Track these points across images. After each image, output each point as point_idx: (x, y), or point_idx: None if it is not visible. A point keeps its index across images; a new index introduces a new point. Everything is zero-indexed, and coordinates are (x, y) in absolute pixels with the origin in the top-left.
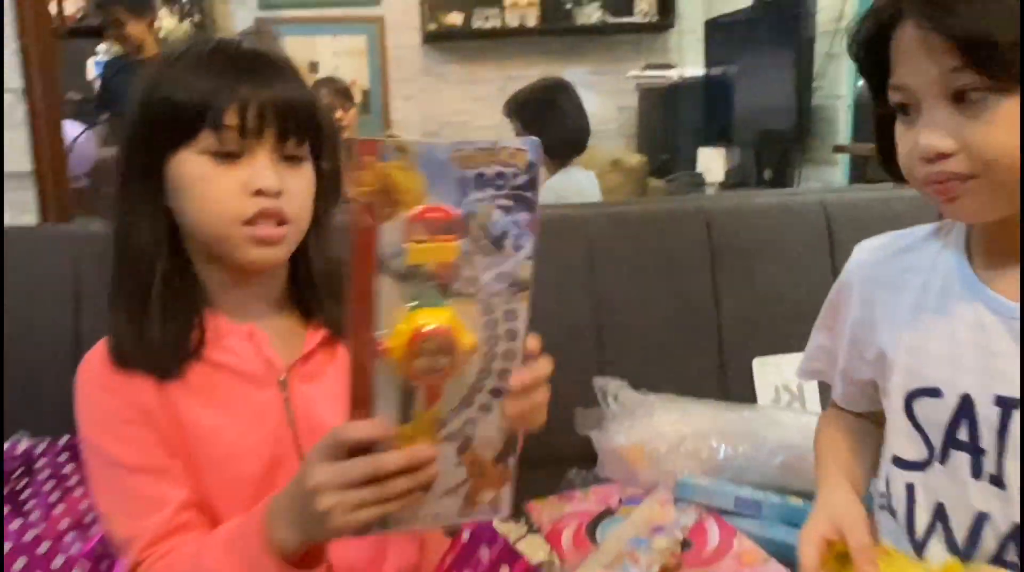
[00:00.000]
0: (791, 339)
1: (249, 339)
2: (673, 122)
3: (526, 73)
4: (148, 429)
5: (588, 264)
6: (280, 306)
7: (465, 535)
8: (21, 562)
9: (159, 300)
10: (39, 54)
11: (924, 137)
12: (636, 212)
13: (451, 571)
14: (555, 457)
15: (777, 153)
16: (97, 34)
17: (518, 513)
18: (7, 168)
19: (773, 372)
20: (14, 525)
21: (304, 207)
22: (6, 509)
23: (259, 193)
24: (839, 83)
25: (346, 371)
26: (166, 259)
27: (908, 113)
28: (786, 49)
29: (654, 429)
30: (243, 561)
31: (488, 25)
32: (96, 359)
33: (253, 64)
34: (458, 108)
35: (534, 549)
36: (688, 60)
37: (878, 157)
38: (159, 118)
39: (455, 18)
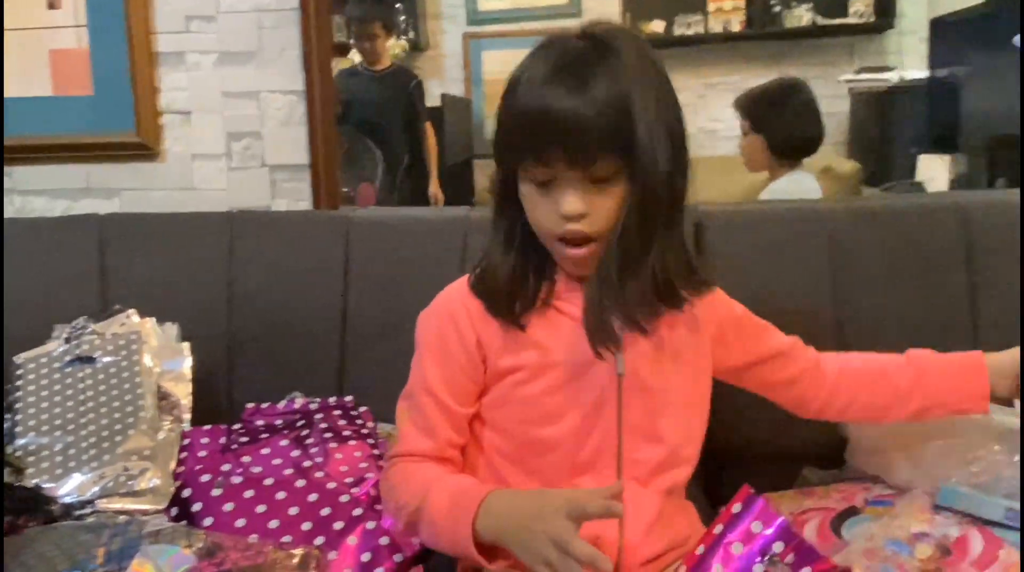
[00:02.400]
0: None
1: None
2: (890, 128)
3: (727, 80)
4: (464, 368)
5: (829, 261)
6: None
7: (736, 507)
8: (314, 496)
9: (518, 259)
10: (319, 62)
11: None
12: (883, 206)
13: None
14: (789, 453)
15: (1013, 160)
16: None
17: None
18: (288, 161)
19: None
20: (306, 463)
21: (611, 220)
22: (297, 452)
23: (564, 216)
24: None
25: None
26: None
27: None
28: None
29: (918, 426)
30: (450, 519)
31: (691, 32)
32: (455, 292)
33: (579, 85)
34: None
35: None
36: (908, 62)
37: None
38: (503, 144)
39: (657, 26)
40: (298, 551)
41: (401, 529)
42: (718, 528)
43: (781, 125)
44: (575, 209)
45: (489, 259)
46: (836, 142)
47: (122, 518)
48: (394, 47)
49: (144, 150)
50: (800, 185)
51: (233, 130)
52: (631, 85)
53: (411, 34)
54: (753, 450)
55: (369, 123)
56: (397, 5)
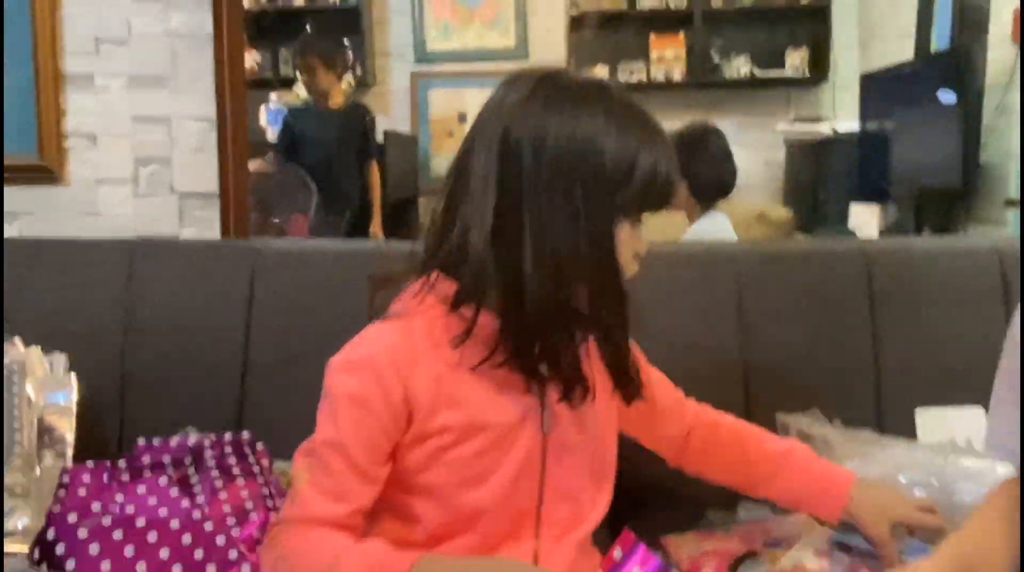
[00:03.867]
0: (958, 392)
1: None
2: (824, 177)
3: (667, 125)
4: (386, 428)
5: (737, 302)
6: None
7: (617, 553)
8: (187, 538)
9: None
10: (232, 89)
11: None
12: (790, 251)
13: None
14: (693, 496)
15: (939, 211)
16: (269, 86)
17: (654, 547)
18: (198, 189)
19: (937, 424)
20: (184, 504)
21: None
22: (176, 492)
23: (637, 255)
24: (1010, 138)
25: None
26: None
27: None
28: (951, 103)
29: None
30: None
31: (634, 79)
32: (385, 339)
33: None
34: None
35: None
36: (841, 114)
37: None
38: (630, 193)
39: (601, 71)
40: None
41: None
42: None
43: (700, 169)
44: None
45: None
46: (772, 190)
47: None
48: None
49: (46, 173)
50: (716, 224)
51: (141, 155)
52: None
53: (359, 71)
54: (658, 491)
55: (318, 162)
56: (344, 41)
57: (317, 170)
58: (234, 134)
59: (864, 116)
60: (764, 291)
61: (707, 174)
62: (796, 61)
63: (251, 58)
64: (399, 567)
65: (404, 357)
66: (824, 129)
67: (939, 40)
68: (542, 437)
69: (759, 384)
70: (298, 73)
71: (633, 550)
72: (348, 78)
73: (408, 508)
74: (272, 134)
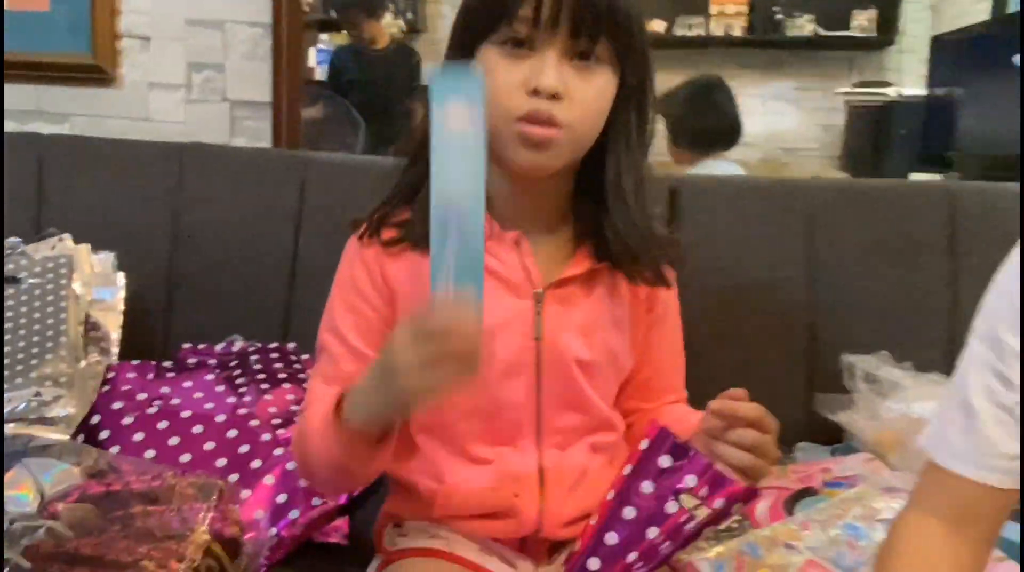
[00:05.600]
0: None
1: (514, 247)
2: (885, 143)
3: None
4: (375, 308)
5: (805, 237)
6: (555, 220)
7: (644, 443)
8: (233, 432)
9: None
10: None
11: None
12: (869, 187)
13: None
14: None
15: (1006, 181)
16: (323, 28)
17: None
18: (250, 97)
19: None
20: (230, 400)
21: (587, 114)
22: (223, 388)
23: (535, 92)
24: None
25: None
26: None
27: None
28: None
29: (913, 415)
30: (323, 422)
31: (692, 33)
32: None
33: None
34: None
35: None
36: (907, 80)
37: None
38: (470, 13)
39: (657, 25)
40: (199, 480)
41: (304, 479)
42: (627, 469)
43: (698, 117)
44: (552, 83)
45: (387, 208)
46: (828, 155)
47: (9, 429)
48: (391, 26)
49: (99, 74)
50: (713, 169)
51: (194, 60)
52: None
53: (409, 15)
54: None
55: (364, 101)
56: None
57: (363, 109)
58: (289, 41)
59: (932, 81)
60: (838, 228)
61: (703, 124)
62: (863, 22)
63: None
64: (335, 396)
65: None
66: (889, 93)
67: (1017, 1)
68: (535, 344)
69: (825, 323)
70: (341, 23)
71: (660, 441)
72: (399, 22)
73: None
74: (320, 74)
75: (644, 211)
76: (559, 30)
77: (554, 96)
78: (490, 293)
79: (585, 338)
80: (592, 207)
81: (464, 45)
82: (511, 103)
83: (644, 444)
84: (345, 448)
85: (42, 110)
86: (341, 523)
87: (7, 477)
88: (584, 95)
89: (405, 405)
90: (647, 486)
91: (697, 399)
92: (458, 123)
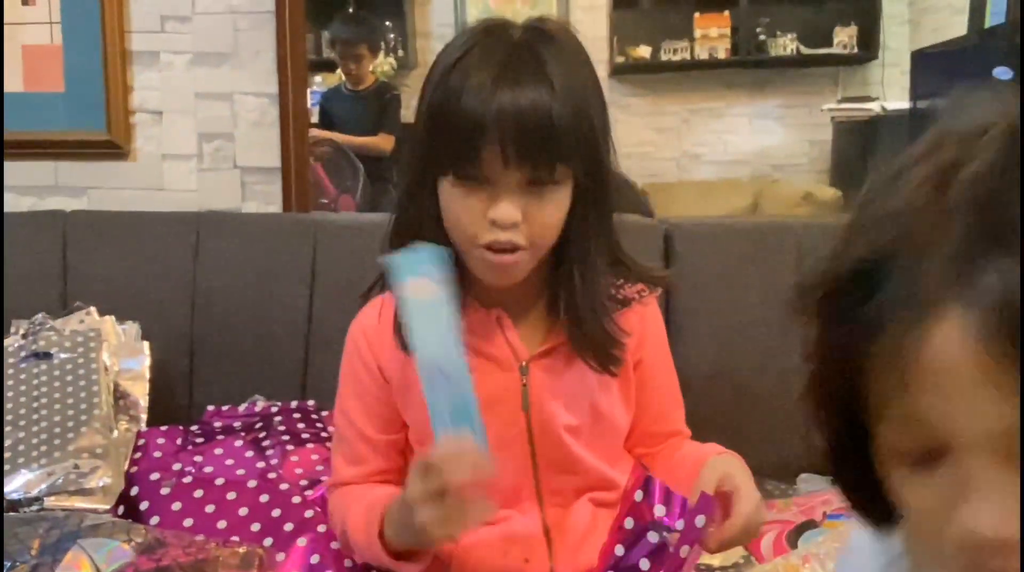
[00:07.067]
0: None
1: (497, 325)
2: (872, 156)
3: (711, 106)
4: (377, 397)
5: (800, 274)
6: (532, 297)
7: (638, 495)
8: (265, 497)
9: None
10: (293, 65)
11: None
12: None
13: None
14: (752, 467)
15: None
16: (315, 69)
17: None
18: (260, 163)
19: None
20: (260, 465)
21: (547, 229)
22: (252, 453)
23: (495, 223)
24: None
25: (580, 382)
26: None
27: None
28: (1007, 79)
29: None
30: (365, 534)
31: (677, 58)
32: (363, 318)
33: (517, 79)
34: (641, 139)
35: (729, 551)
36: (891, 93)
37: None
38: (430, 153)
39: (643, 51)
40: (241, 549)
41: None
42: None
43: None
44: (510, 217)
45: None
46: (817, 170)
47: (62, 512)
48: (382, 64)
49: (114, 148)
50: None
51: (205, 131)
52: (585, 80)
53: (400, 52)
54: None
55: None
56: (386, 23)
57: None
58: (295, 109)
59: (915, 94)
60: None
61: None
62: (844, 39)
63: None
64: (382, 507)
65: (374, 333)
66: (873, 108)
67: (994, 14)
68: (524, 414)
69: None
70: (340, 58)
71: (649, 489)
72: (391, 60)
73: None
74: (314, 115)
75: (598, 295)
76: (511, 168)
77: (513, 225)
78: (479, 370)
79: (571, 404)
80: (564, 288)
81: (423, 181)
82: (472, 230)
83: (639, 495)
84: (392, 559)
85: (61, 185)
86: None
87: (66, 560)
88: (543, 216)
89: (426, 536)
90: (628, 521)
91: (698, 438)
92: (422, 293)
